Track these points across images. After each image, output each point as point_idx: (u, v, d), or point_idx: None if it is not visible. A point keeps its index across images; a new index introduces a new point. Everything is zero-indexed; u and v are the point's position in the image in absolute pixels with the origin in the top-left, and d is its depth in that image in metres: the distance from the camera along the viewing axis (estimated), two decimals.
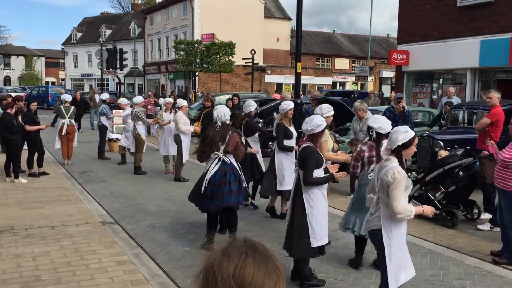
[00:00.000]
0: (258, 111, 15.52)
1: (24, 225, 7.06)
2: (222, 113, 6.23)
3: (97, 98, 21.14)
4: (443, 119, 11.44)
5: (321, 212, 5.01)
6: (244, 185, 6.35)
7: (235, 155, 6.21)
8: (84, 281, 5.12)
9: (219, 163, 6.12)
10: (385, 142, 5.37)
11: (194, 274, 1.24)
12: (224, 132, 6.13)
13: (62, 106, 12.57)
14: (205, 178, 6.14)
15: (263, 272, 1.19)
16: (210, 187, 6.11)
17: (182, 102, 10.90)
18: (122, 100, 13.40)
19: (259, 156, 8.27)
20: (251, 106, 8.41)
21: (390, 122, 5.54)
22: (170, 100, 12.68)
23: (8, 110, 9.92)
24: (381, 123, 5.32)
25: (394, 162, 4.03)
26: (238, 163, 6.35)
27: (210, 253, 1.24)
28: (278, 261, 1.25)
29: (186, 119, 10.62)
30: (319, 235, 4.97)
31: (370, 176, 5.48)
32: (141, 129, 11.64)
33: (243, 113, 8.44)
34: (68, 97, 13.11)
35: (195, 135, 14.29)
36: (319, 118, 5.06)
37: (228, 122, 6.29)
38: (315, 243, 4.96)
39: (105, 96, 14.63)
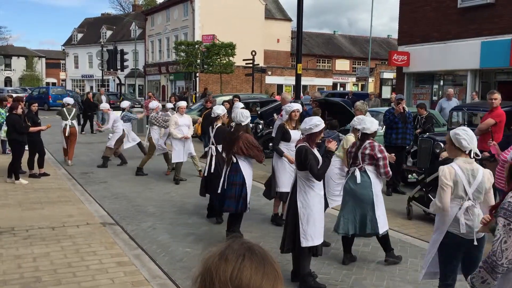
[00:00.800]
0: (259, 112, 15.57)
1: (24, 226, 7.06)
2: (235, 114, 6.50)
3: (104, 99, 21.40)
4: (417, 122, 11.01)
5: (314, 213, 5.03)
6: (245, 190, 6.39)
7: (251, 156, 6.34)
8: (84, 282, 5.13)
9: (230, 163, 6.34)
10: (367, 142, 5.51)
11: (192, 277, 1.24)
12: (234, 133, 6.33)
13: (64, 108, 12.69)
14: (221, 179, 6.45)
15: (261, 274, 1.19)
16: (223, 187, 6.44)
17: (178, 103, 10.92)
18: (104, 105, 13.49)
19: None
20: (236, 108, 8.46)
21: (376, 122, 5.69)
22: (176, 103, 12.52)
23: (14, 111, 9.99)
24: (366, 124, 5.53)
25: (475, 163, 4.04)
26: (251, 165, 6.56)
27: (208, 256, 1.25)
28: (276, 263, 1.25)
29: (177, 121, 10.41)
30: (310, 236, 4.99)
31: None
32: (155, 134, 11.57)
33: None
34: (70, 100, 13.26)
35: (196, 135, 14.31)
36: (318, 118, 5.11)
37: (243, 123, 6.40)
38: (305, 243, 4.99)
39: (126, 104, 14.46)
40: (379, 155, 5.47)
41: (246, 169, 6.41)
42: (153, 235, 6.98)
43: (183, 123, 10.51)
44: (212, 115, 7.74)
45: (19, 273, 5.32)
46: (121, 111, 13.22)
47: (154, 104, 12.13)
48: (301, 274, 5.12)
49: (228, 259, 1.20)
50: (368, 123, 5.55)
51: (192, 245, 6.53)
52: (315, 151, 5.10)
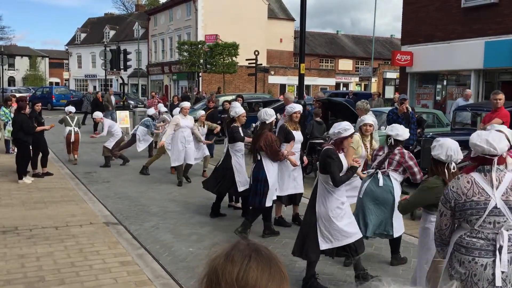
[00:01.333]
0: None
1: (28, 226, 7.08)
2: (260, 113, 6.75)
3: (113, 99, 21.72)
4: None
5: (331, 217, 4.97)
6: (267, 187, 6.55)
7: (268, 155, 6.53)
8: (87, 282, 5.13)
9: (255, 160, 6.68)
10: (397, 148, 5.55)
11: (197, 278, 1.24)
12: (260, 131, 6.63)
13: (67, 116, 13.14)
14: (250, 175, 6.94)
15: (267, 276, 1.19)
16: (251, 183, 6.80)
17: (182, 104, 10.86)
18: (97, 114, 13.69)
19: (238, 168, 7.58)
20: (234, 107, 8.46)
21: (407, 130, 5.71)
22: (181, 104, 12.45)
23: (23, 111, 10.06)
24: (399, 130, 5.57)
25: None
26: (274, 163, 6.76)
27: (214, 257, 1.25)
28: (282, 264, 1.24)
29: (179, 122, 10.23)
30: (328, 238, 4.98)
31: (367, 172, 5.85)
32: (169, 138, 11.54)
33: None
34: (71, 108, 13.75)
35: None
36: (347, 123, 5.00)
37: (267, 121, 6.62)
38: (324, 246, 4.98)
39: (152, 111, 14.45)
40: (409, 162, 5.52)
41: (269, 166, 6.61)
42: (156, 234, 6.99)
43: (185, 125, 10.30)
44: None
45: (22, 273, 5.34)
46: (146, 117, 13.82)
47: (177, 110, 11.89)
48: (305, 275, 5.11)
49: (234, 260, 1.20)
50: (401, 130, 5.58)
51: (195, 244, 6.53)
52: (342, 156, 4.97)
